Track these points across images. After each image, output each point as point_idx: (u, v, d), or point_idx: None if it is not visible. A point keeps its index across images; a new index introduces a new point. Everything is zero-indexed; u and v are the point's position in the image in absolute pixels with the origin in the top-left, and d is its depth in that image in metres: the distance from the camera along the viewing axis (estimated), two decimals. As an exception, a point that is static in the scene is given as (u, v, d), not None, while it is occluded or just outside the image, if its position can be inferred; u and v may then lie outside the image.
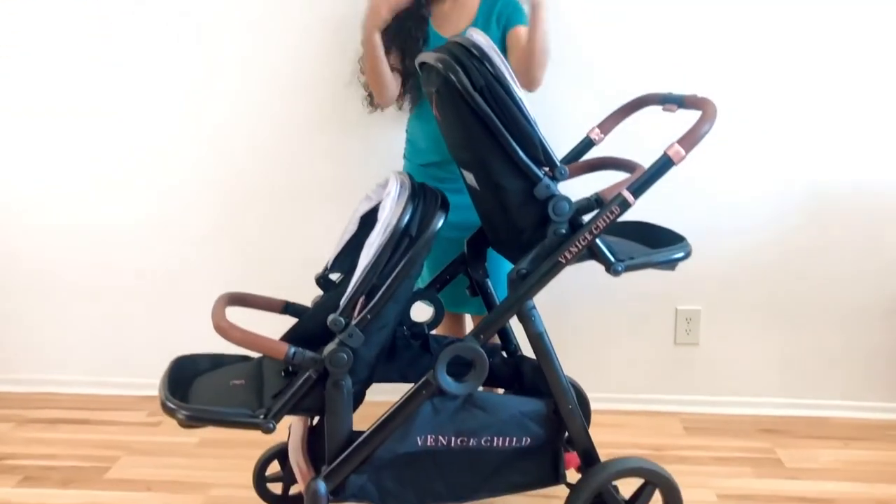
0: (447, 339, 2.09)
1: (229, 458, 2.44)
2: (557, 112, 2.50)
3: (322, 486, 1.70)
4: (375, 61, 2.25)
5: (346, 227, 1.94)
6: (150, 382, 2.80)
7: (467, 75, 1.61)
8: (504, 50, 2.24)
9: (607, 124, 2.11)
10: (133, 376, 2.92)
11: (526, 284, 1.72)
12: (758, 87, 2.60)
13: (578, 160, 2.09)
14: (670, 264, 1.84)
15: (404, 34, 2.28)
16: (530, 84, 2.17)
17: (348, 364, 1.66)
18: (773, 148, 2.64)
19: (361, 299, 1.69)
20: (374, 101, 2.45)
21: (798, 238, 2.70)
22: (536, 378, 2.01)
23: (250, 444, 2.23)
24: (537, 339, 1.76)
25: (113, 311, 2.92)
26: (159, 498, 2.25)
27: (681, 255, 1.83)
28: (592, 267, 2.68)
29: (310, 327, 1.89)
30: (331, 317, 1.66)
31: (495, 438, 1.77)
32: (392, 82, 2.32)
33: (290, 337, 1.89)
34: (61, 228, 2.87)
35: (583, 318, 2.78)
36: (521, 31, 2.21)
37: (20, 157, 2.84)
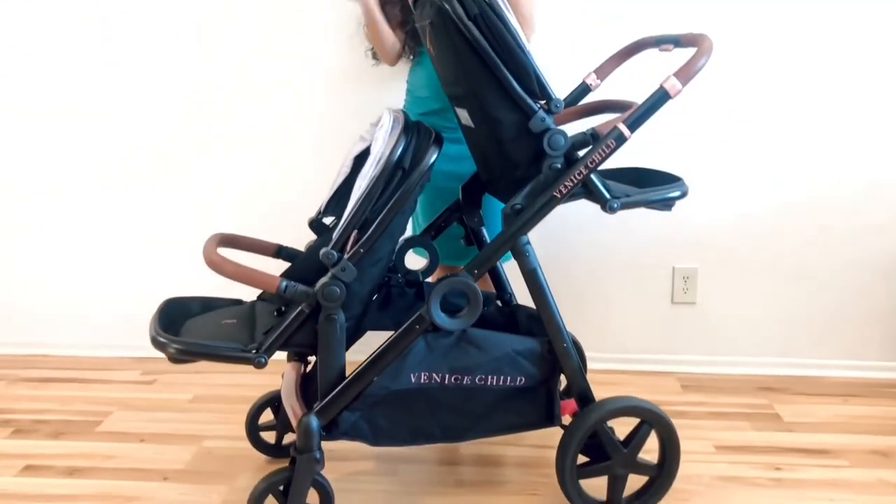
0: None
1: (223, 412, 2.42)
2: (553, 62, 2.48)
3: (314, 421, 1.68)
4: (374, 24, 2.26)
5: (339, 170, 1.92)
6: (145, 344, 2.86)
7: (461, 4, 1.58)
8: None
9: (604, 69, 2.09)
10: (128, 338, 2.89)
11: (520, 219, 1.69)
12: (751, 40, 2.57)
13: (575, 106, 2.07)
14: (666, 203, 1.81)
15: None
16: (524, 25, 2.13)
17: (341, 298, 1.64)
18: (772, 106, 2.61)
19: (354, 233, 1.66)
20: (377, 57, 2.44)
21: (796, 196, 2.67)
22: (532, 325, 2.00)
23: (244, 401, 2.21)
24: (531, 274, 1.74)
25: (102, 275, 2.91)
26: (152, 449, 2.23)
27: (677, 193, 1.80)
28: (589, 224, 2.73)
29: (303, 271, 1.86)
30: (323, 250, 1.64)
31: (489, 377, 1.75)
32: (391, 40, 2.30)
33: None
34: (60, 227, 2.87)
35: (579, 276, 2.75)
36: None
37: (20, 156, 2.83)
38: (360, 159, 1.87)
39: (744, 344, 2.78)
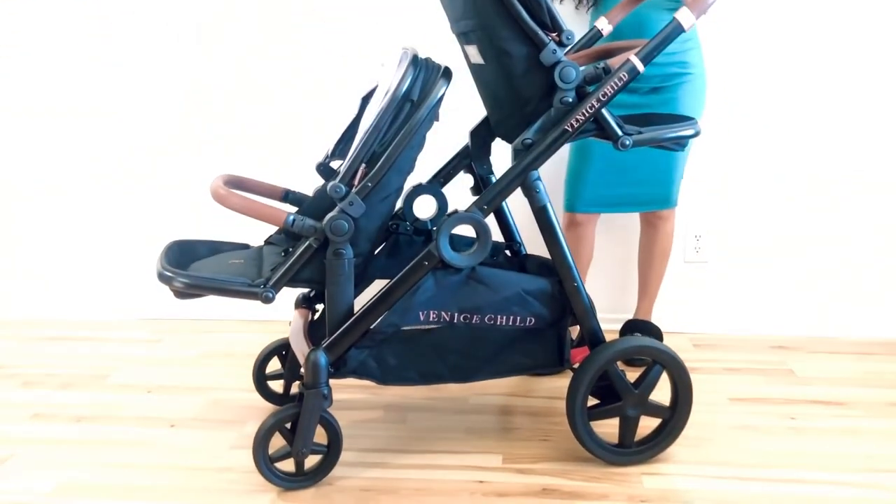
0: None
1: (230, 367, 2.41)
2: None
3: (322, 356, 1.65)
4: None
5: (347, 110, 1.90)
6: (150, 308, 2.85)
7: None
8: None
9: (615, 14, 2.06)
10: (133, 303, 2.90)
11: (531, 154, 1.67)
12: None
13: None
14: (679, 140, 1.78)
15: None
16: None
17: (349, 233, 1.61)
18: (784, 78, 2.58)
19: (362, 168, 1.64)
20: None
21: (809, 154, 2.63)
22: (542, 273, 1.97)
23: (251, 356, 2.19)
24: (541, 212, 1.71)
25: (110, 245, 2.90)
26: (159, 399, 2.22)
27: (690, 132, 1.77)
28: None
29: (310, 214, 1.81)
30: (331, 184, 1.61)
31: (498, 317, 1.72)
32: None
33: None
34: (60, 227, 2.87)
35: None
36: None
37: (20, 156, 2.82)
38: (368, 99, 1.85)
39: (757, 304, 2.74)
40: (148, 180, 2.81)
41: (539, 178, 1.70)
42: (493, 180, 2.03)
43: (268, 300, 1.63)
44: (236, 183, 1.84)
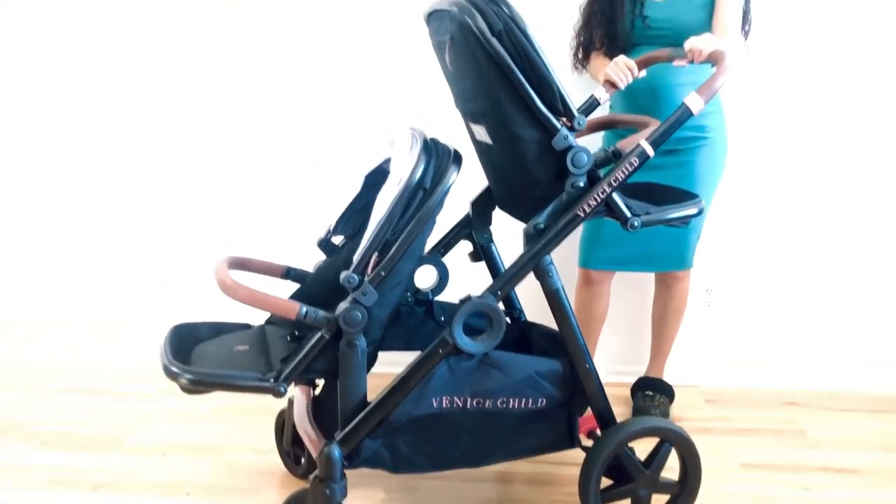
0: (451, 305, 2.01)
1: (244, 422, 2.43)
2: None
3: (337, 450, 1.65)
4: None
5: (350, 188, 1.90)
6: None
7: (485, 19, 1.56)
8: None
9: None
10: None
11: (543, 239, 1.68)
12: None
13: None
14: (683, 220, 1.80)
15: (616, 4, 2.30)
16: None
17: (363, 323, 1.60)
18: (797, 112, 2.59)
19: (375, 256, 1.64)
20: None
21: (821, 210, 2.64)
22: (546, 344, 1.99)
23: (262, 410, 2.21)
24: (554, 295, 1.72)
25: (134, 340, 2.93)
26: (176, 463, 2.23)
27: (694, 211, 1.79)
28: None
29: (313, 292, 1.85)
30: (343, 274, 1.61)
31: (511, 399, 1.72)
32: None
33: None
34: (71, 234, 2.93)
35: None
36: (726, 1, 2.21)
37: (21, 158, 2.88)
38: (372, 177, 1.86)
39: (768, 357, 2.75)
40: (158, 189, 2.85)
41: (552, 263, 1.71)
42: (494, 249, 2.05)
43: (280, 395, 1.62)
44: (239, 263, 1.83)
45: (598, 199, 1.68)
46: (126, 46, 2.75)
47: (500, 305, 2.05)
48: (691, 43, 1.88)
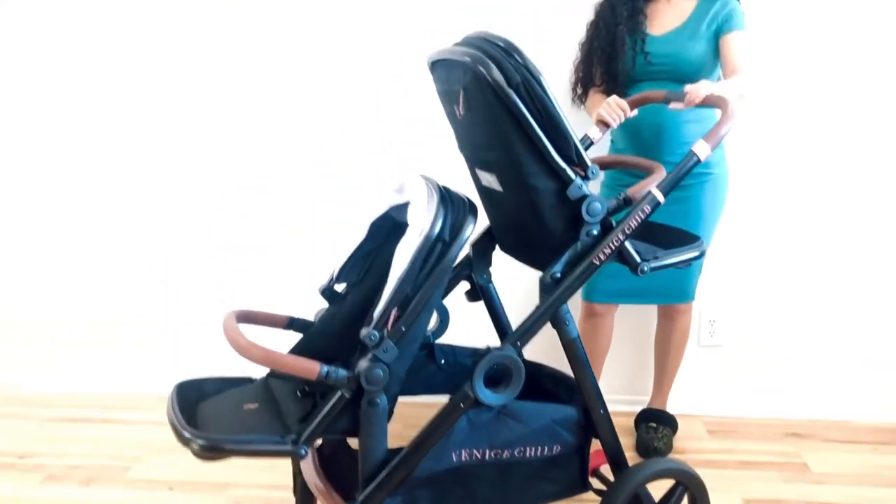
0: (451, 347, 2.02)
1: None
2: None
3: (360, 514, 1.61)
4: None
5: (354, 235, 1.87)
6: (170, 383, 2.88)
7: (501, 70, 1.55)
8: (716, 54, 2.27)
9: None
10: (153, 377, 2.93)
11: (560, 288, 1.68)
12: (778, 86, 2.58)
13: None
14: (687, 263, 1.83)
15: (615, 38, 2.32)
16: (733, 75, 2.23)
17: (384, 381, 1.56)
18: (800, 148, 2.62)
19: (394, 312, 1.59)
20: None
21: (822, 240, 2.67)
22: (552, 386, 1.99)
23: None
24: (571, 344, 1.73)
25: (127, 315, 2.93)
26: (181, 499, 2.23)
27: (695, 254, 1.82)
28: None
29: (319, 344, 1.81)
30: (364, 330, 1.57)
31: (528, 448, 1.73)
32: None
33: (296, 353, 1.79)
34: (71, 235, 2.90)
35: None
36: (733, 38, 2.24)
37: (21, 158, 2.86)
38: (378, 224, 1.84)
39: (770, 386, 2.77)
40: (158, 186, 2.85)
41: (568, 311, 1.73)
42: (492, 289, 2.03)
43: (301, 458, 1.60)
44: (245, 317, 1.77)
45: (613, 248, 1.69)
46: (126, 46, 2.74)
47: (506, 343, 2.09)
48: (689, 87, 1.92)
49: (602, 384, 2.49)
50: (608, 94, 2.35)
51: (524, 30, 2.52)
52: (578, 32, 2.46)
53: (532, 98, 1.58)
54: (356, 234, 1.87)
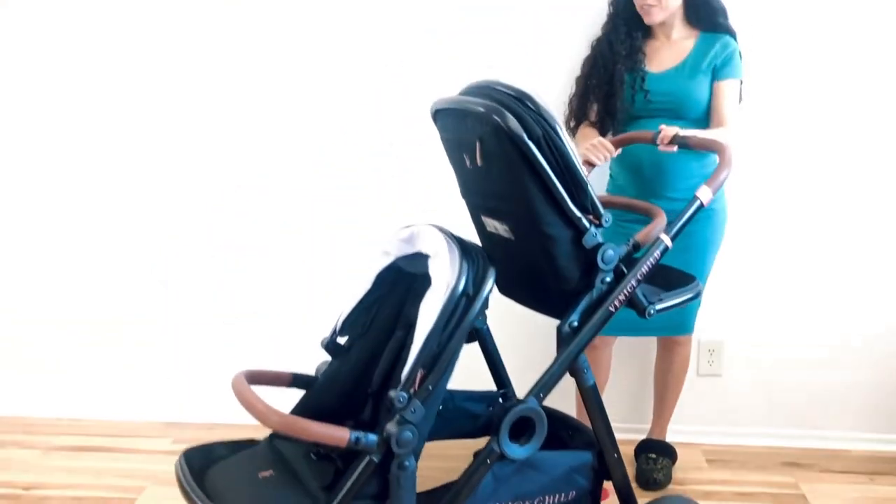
0: (448, 392, 1.91)
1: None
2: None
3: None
4: None
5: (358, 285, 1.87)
6: (174, 410, 2.88)
7: (521, 122, 1.57)
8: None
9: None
10: (157, 403, 2.92)
11: (578, 337, 1.72)
12: (787, 125, 2.63)
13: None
14: (685, 303, 1.89)
15: (614, 76, 2.36)
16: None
17: (414, 442, 1.54)
18: (795, 184, 2.68)
19: (421, 372, 1.58)
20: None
21: (819, 271, 2.72)
22: (557, 428, 1.96)
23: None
24: (589, 392, 1.78)
25: (133, 340, 2.93)
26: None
27: (690, 295, 1.88)
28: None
29: (324, 400, 1.82)
30: (392, 393, 1.55)
31: (547, 497, 1.75)
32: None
33: (301, 411, 1.81)
34: (80, 258, 2.90)
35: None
36: (727, 86, 2.31)
37: (21, 158, 2.86)
38: (383, 276, 1.84)
39: (768, 416, 2.82)
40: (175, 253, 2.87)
41: (586, 360, 1.77)
42: (486, 329, 2.00)
43: None
44: (251, 378, 1.71)
45: (627, 294, 1.73)
46: (126, 46, 2.74)
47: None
48: (663, 128, 2.06)
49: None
50: (605, 130, 2.41)
51: (524, 30, 2.64)
52: (578, 32, 2.53)
53: (552, 150, 1.60)
54: (358, 285, 1.86)
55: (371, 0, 2.68)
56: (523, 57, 2.64)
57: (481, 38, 2.65)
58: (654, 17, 2.34)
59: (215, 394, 2.49)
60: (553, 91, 2.51)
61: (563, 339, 1.72)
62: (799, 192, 2.68)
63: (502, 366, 2.08)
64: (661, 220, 1.82)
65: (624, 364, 2.75)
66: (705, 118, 2.35)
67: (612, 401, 2.62)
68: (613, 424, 2.64)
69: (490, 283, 1.66)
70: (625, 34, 2.38)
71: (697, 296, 1.90)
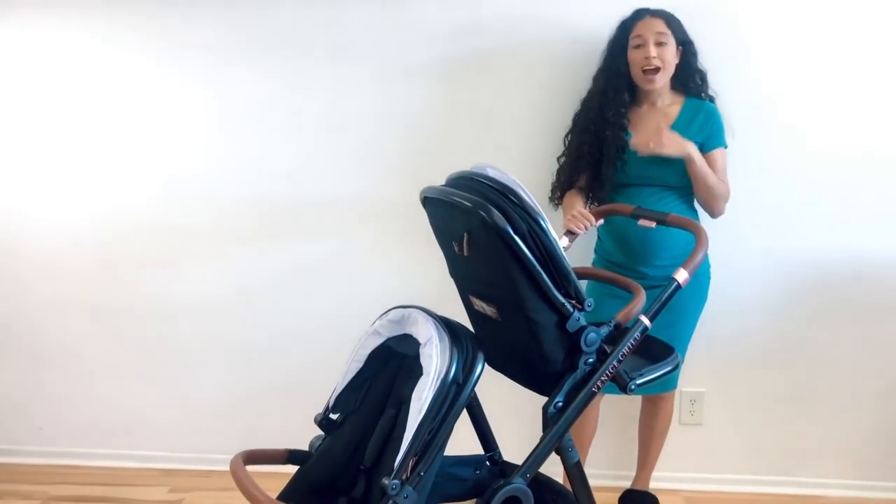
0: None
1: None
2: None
3: None
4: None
5: (348, 364, 1.93)
6: (171, 456, 2.94)
7: (506, 218, 1.64)
8: None
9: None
10: (154, 449, 2.99)
11: (563, 417, 1.79)
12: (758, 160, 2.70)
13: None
14: (664, 377, 1.95)
15: (604, 143, 2.42)
16: (713, 216, 2.43)
17: None
18: (775, 231, 2.76)
19: (413, 459, 1.65)
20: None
21: (798, 322, 2.81)
22: (542, 493, 1.99)
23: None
24: (574, 468, 1.85)
25: (132, 384, 2.99)
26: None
27: (670, 368, 1.95)
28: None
29: (317, 474, 1.87)
30: (385, 481, 1.62)
31: None
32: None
33: (294, 487, 1.86)
34: (80, 305, 2.96)
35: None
36: (715, 155, 2.40)
37: (21, 158, 2.92)
38: (374, 355, 1.91)
39: (747, 463, 2.90)
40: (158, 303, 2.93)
41: (570, 438, 1.84)
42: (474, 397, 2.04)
43: None
44: (250, 458, 1.79)
45: (610, 374, 1.81)
46: (126, 45, 2.82)
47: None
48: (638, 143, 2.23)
49: (587, 462, 2.63)
50: (595, 195, 2.49)
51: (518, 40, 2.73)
52: (567, 47, 2.65)
53: (537, 244, 1.68)
54: (351, 363, 1.92)
55: (370, 7, 2.74)
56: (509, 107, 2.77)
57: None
58: (656, 84, 2.39)
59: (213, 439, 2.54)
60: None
61: (548, 420, 1.80)
62: (777, 241, 2.77)
63: (489, 429, 2.12)
64: (641, 298, 1.90)
65: (610, 413, 2.82)
66: (690, 186, 2.41)
67: (598, 448, 2.73)
68: (599, 471, 2.76)
69: (479, 370, 1.73)
70: (612, 98, 2.43)
71: (676, 368, 1.97)
